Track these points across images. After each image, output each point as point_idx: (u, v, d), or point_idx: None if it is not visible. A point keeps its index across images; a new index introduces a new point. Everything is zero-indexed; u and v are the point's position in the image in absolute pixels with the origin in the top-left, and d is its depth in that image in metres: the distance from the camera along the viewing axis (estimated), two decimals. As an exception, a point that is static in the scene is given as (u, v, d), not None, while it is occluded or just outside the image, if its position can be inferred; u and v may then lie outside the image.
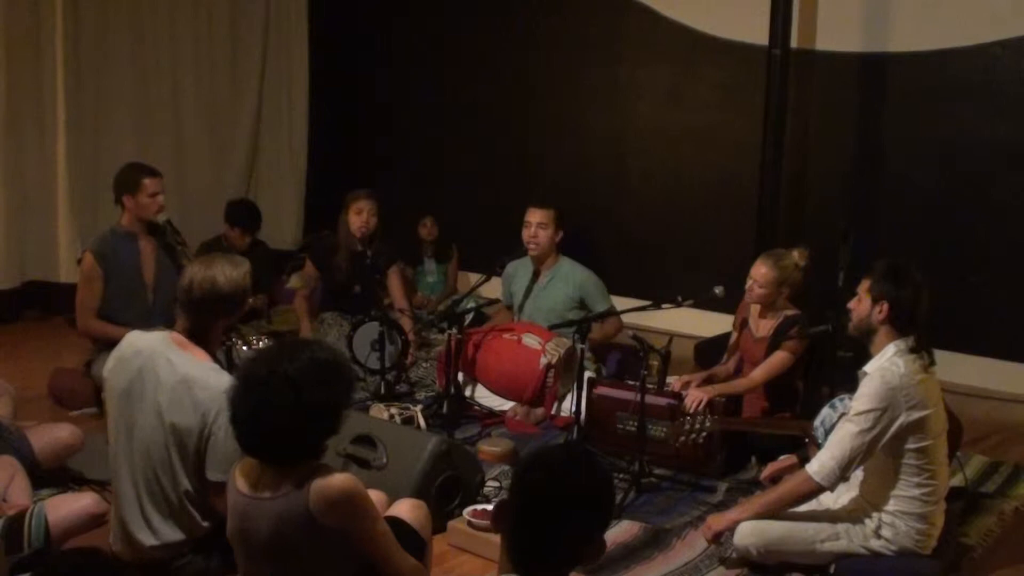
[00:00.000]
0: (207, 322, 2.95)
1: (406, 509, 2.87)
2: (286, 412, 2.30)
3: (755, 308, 4.42)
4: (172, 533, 2.94)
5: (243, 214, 6.07)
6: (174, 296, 3.07)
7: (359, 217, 5.38)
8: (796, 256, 4.31)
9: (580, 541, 1.94)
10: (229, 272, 2.92)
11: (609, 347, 5.17)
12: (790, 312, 4.33)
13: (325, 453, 2.43)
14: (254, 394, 2.34)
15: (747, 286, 4.31)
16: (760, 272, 4.25)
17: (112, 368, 3.00)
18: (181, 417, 2.84)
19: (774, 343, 4.26)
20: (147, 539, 2.94)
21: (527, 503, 1.93)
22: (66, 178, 6.26)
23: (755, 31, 5.57)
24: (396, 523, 2.69)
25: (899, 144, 5.56)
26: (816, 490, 3.19)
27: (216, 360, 3.02)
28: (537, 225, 5.05)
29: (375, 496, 2.78)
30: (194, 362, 2.89)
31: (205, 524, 2.96)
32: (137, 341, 2.99)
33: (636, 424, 4.00)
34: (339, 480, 2.37)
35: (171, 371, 2.87)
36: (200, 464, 2.88)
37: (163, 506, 2.92)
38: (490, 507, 3.50)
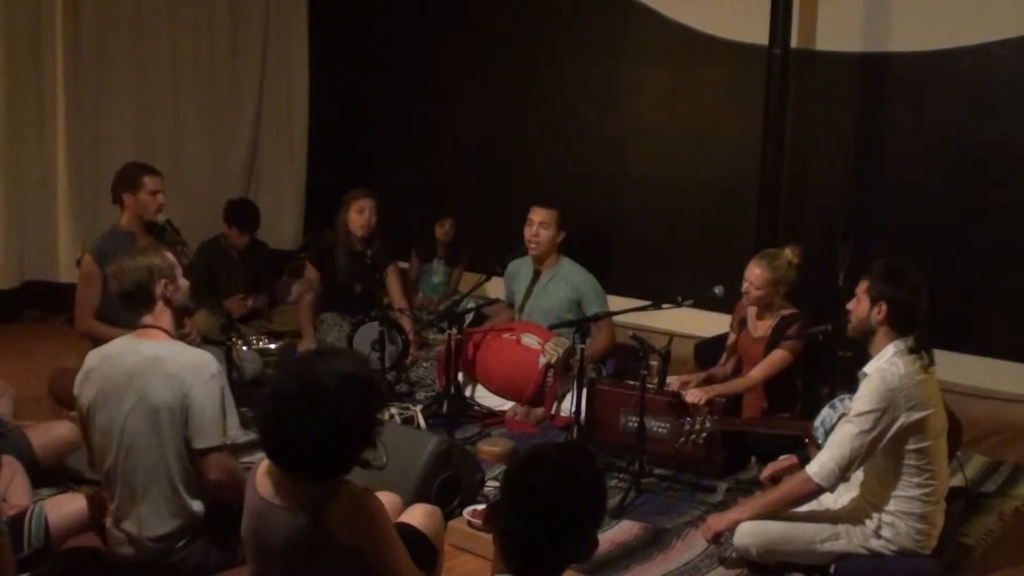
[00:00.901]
0: (144, 303, 3.04)
1: (419, 516, 2.86)
2: (321, 430, 2.23)
3: (753, 308, 4.41)
4: (166, 524, 2.97)
5: (242, 213, 6.07)
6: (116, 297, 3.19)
7: (361, 215, 5.38)
8: (789, 254, 4.30)
9: (573, 539, 1.94)
10: (142, 252, 3.13)
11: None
12: (788, 311, 4.32)
13: (352, 469, 2.36)
14: (287, 409, 2.25)
15: (743, 289, 4.31)
16: (755, 274, 4.25)
17: (82, 383, 3.05)
18: (158, 394, 2.90)
19: (773, 342, 4.26)
20: (144, 532, 2.97)
21: (519, 503, 1.93)
22: (66, 178, 6.27)
23: (755, 31, 5.57)
24: (408, 530, 2.68)
25: (899, 144, 5.55)
26: (816, 491, 3.19)
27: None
28: (539, 224, 5.06)
29: (389, 500, 2.78)
30: (157, 343, 2.99)
31: (198, 510, 2.99)
32: (100, 350, 3.08)
33: (636, 424, 4.00)
34: (361, 499, 2.33)
35: (139, 358, 2.95)
36: (186, 438, 2.93)
37: (157, 497, 2.96)
38: (491, 507, 3.50)
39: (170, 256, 3.14)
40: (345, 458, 2.32)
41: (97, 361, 3.04)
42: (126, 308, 3.09)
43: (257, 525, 2.39)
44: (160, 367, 2.92)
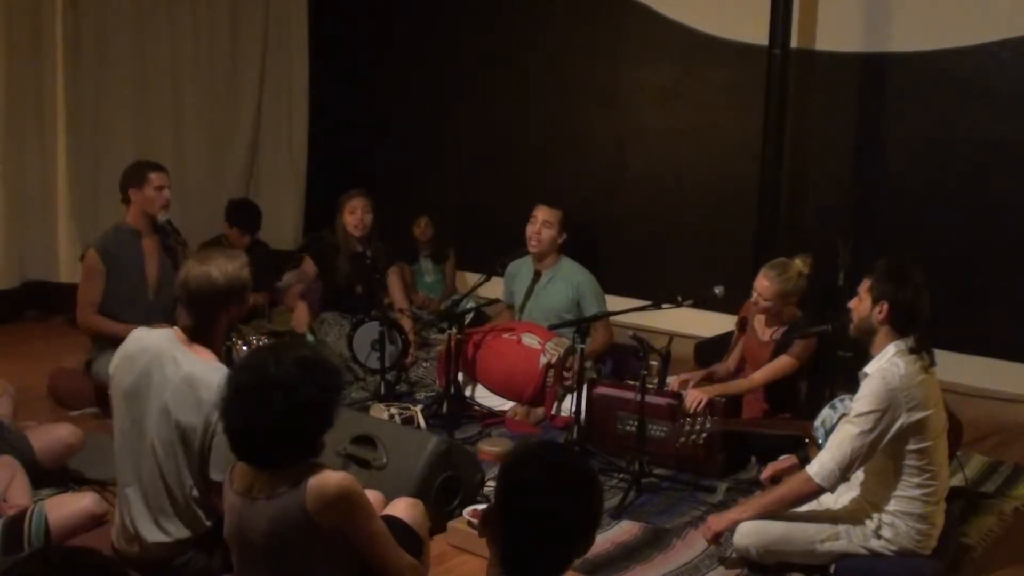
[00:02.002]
0: (210, 316, 2.94)
1: (403, 508, 2.88)
2: (280, 417, 2.29)
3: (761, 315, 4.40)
4: (177, 531, 2.95)
5: (243, 214, 6.08)
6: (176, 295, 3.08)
7: (353, 216, 5.41)
8: (799, 264, 4.25)
9: (569, 539, 1.92)
10: (224, 265, 2.92)
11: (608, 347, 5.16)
12: (797, 318, 4.31)
13: (323, 451, 2.42)
14: (246, 404, 2.32)
15: (752, 299, 4.29)
16: (763, 286, 4.23)
17: (118, 365, 2.99)
18: (185, 416, 2.84)
19: (781, 346, 4.25)
20: (152, 536, 2.94)
21: (510, 502, 1.92)
22: (66, 178, 6.28)
23: (755, 31, 5.56)
24: (393, 522, 2.70)
25: (899, 144, 5.55)
26: (816, 491, 3.19)
27: (220, 357, 3.03)
28: (543, 222, 5.06)
29: (372, 496, 2.78)
30: (199, 361, 2.90)
31: (208, 523, 2.97)
32: (144, 338, 2.99)
33: (636, 424, 4.00)
34: (335, 478, 2.37)
35: (176, 369, 2.87)
36: (204, 464, 2.88)
37: (168, 504, 2.93)
38: (490, 508, 3.50)
39: (246, 272, 2.97)
40: (309, 440, 2.38)
41: (137, 349, 2.95)
42: (180, 305, 2.96)
43: (238, 522, 2.42)
44: (195, 390, 2.83)
